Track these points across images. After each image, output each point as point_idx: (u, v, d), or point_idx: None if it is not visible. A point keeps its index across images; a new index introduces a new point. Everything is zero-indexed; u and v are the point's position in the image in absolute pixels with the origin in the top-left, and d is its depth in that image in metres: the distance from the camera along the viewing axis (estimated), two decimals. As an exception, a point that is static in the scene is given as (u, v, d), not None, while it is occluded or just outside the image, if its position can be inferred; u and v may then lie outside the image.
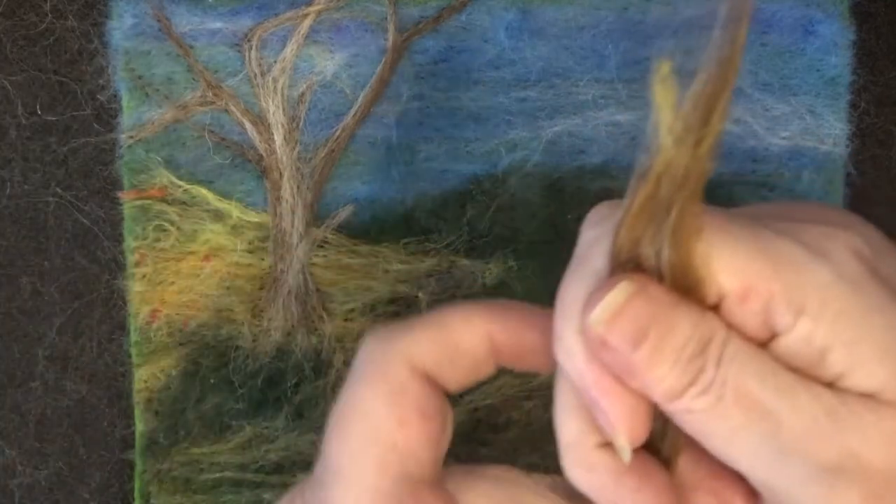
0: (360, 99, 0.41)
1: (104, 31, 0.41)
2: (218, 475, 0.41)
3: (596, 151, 0.42)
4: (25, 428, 0.41)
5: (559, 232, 0.42)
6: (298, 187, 0.41)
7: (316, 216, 0.41)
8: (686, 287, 0.29)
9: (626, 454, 0.31)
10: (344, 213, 0.41)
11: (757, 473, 0.30)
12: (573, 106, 0.41)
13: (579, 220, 0.41)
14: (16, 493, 0.41)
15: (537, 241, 0.42)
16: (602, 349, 0.30)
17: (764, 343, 0.30)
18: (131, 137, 0.41)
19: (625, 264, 0.30)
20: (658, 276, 0.29)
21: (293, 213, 0.41)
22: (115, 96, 0.41)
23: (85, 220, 0.41)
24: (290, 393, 0.41)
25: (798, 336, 0.30)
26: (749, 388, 0.29)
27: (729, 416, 0.29)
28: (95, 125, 0.41)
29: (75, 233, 0.41)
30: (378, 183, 0.41)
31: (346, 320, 0.42)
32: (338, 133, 0.41)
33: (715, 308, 0.30)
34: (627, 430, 0.30)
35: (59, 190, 0.41)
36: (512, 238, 0.42)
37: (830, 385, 0.30)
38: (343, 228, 0.41)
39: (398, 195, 0.41)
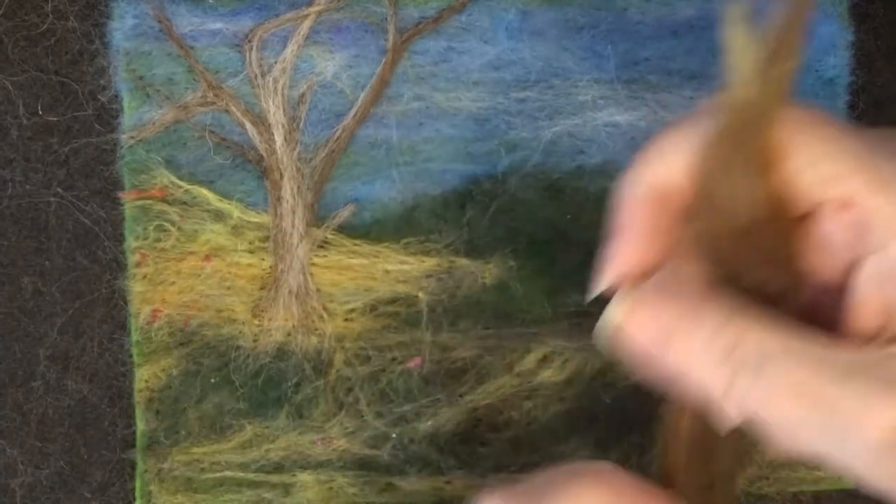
0: (360, 99, 0.41)
1: (105, 32, 0.41)
2: (219, 474, 0.41)
3: (595, 152, 0.42)
4: (27, 427, 0.41)
5: (559, 232, 0.42)
6: (299, 187, 0.41)
7: (316, 216, 0.41)
8: (764, 218, 0.30)
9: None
10: (344, 214, 0.42)
11: (810, 455, 0.30)
12: (573, 106, 0.41)
13: (579, 220, 0.42)
14: (17, 493, 0.41)
15: (537, 241, 0.42)
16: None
17: (846, 267, 0.30)
18: (132, 138, 0.41)
19: (702, 203, 0.30)
20: (733, 212, 0.30)
21: (293, 213, 0.41)
22: (116, 97, 0.41)
23: (86, 220, 0.41)
24: (290, 392, 0.41)
25: (889, 257, 0.29)
26: (799, 379, 0.29)
27: (779, 408, 0.29)
28: (96, 125, 0.41)
29: (76, 233, 0.41)
30: (378, 183, 0.42)
31: (346, 320, 0.42)
32: (338, 133, 0.41)
33: (805, 218, 0.30)
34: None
35: (60, 190, 0.41)
36: (512, 238, 0.42)
37: None
38: (343, 228, 0.42)
39: (398, 195, 0.42)
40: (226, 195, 0.41)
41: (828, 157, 0.29)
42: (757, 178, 0.29)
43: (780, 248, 0.31)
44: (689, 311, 0.30)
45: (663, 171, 0.30)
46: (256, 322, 0.41)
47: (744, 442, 0.33)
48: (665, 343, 0.30)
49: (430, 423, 0.42)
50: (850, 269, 0.31)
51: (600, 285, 0.31)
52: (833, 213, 0.30)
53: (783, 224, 0.30)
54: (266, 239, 0.41)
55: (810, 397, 0.29)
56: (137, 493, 0.41)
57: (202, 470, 0.41)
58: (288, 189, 0.41)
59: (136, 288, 0.41)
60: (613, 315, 0.31)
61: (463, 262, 0.42)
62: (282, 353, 0.42)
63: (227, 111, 0.41)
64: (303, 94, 0.41)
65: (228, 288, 0.41)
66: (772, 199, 0.30)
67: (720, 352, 0.29)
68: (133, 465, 0.41)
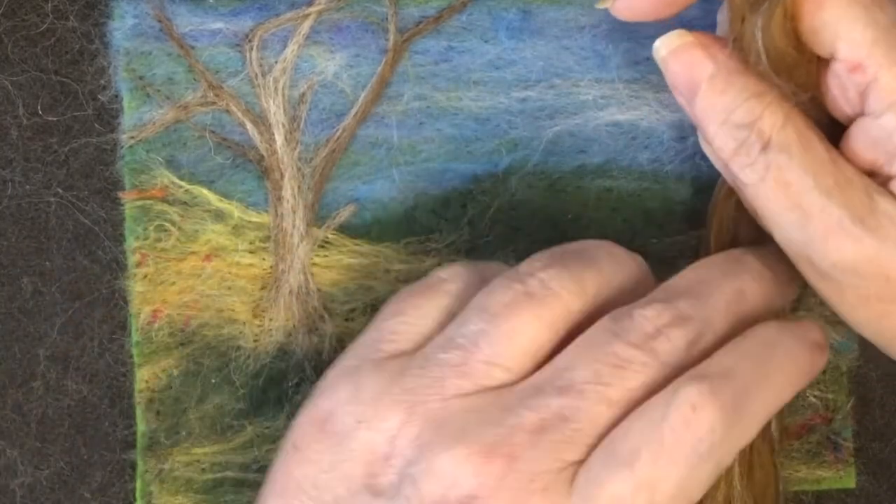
0: (360, 99, 0.41)
1: (105, 32, 0.41)
2: (219, 475, 0.41)
3: (597, 151, 0.42)
4: (26, 428, 0.41)
5: (560, 231, 0.42)
6: (299, 187, 0.41)
7: (317, 216, 0.41)
8: (781, 58, 0.33)
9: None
10: (345, 213, 0.41)
11: (790, 255, 0.34)
12: (574, 106, 0.41)
13: (580, 219, 0.42)
14: (17, 493, 0.41)
15: (538, 241, 0.42)
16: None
17: (850, 118, 0.34)
18: (132, 138, 0.41)
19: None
20: (756, 47, 0.33)
21: (294, 213, 0.41)
22: (117, 97, 0.41)
23: (86, 221, 0.41)
24: (291, 393, 0.41)
25: (880, 125, 0.33)
26: (789, 178, 0.33)
27: (768, 198, 0.33)
28: (96, 125, 0.41)
29: (76, 233, 0.41)
30: (379, 183, 0.42)
31: (347, 320, 0.42)
32: (339, 133, 0.41)
33: (821, 61, 0.34)
34: None
35: (60, 190, 0.41)
36: (513, 238, 0.42)
37: (888, 188, 0.33)
38: (344, 228, 0.42)
39: (399, 195, 0.42)
40: (226, 195, 0.41)
41: (856, 20, 0.33)
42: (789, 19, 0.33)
43: (804, 76, 0.34)
44: (725, 73, 0.34)
45: None
46: (257, 322, 0.41)
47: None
48: (694, 90, 0.34)
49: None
50: (849, 120, 0.34)
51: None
52: (844, 71, 0.33)
53: (807, 57, 0.34)
54: (267, 239, 0.41)
55: (795, 197, 0.33)
56: (138, 494, 0.41)
57: (203, 470, 0.41)
58: (288, 189, 0.41)
59: (136, 288, 0.41)
60: (661, 45, 0.36)
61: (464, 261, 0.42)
62: (282, 353, 0.42)
63: (227, 111, 0.41)
64: (303, 94, 0.41)
65: (229, 288, 0.41)
66: (799, 35, 0.33)
67: (740, 118, 0.33)
68: (133, 466, 0.41)
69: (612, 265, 0.35)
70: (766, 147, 0.33)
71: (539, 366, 0.34)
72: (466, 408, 0.33)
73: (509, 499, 0.31)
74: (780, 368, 0.34)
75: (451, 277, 0.36)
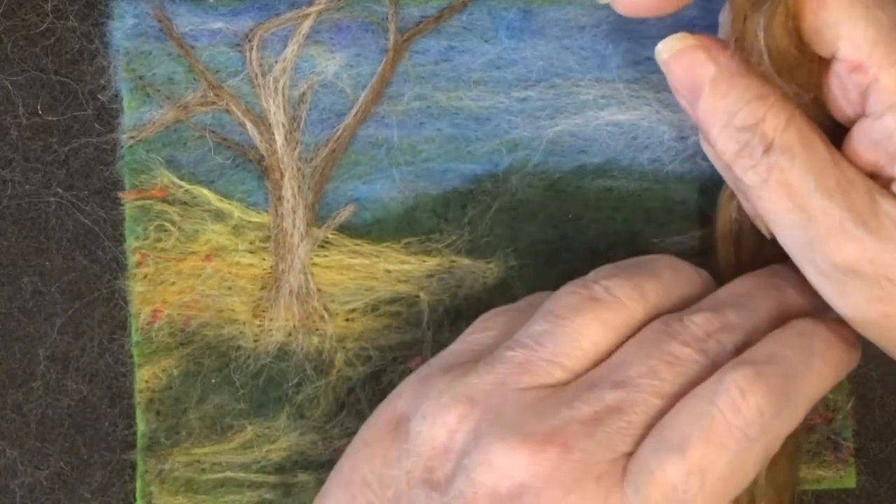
0: (360, 99, 0.41)
1: (105, 32, 0.41)
2: (219, 475, 0.41)
3: (597, 151, 0.42)
4: (26, 428, 0.41)
5: (560, 231, 0.42)
6: (299, 187, 0.41)
7: (317, 216, 0.41)
8: (783, 58, 0.34)
9: None
10: (345, 213, 0.41)
11: (793, 255, 0.35)
12: (574, 106, 0.41)
13: (580, 219, 0.42)
14: (17, 493, 0.41)
15: (538, 241, 0.42)
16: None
17: (851, 119, 0.34)
18: (132, 138, 0.41)
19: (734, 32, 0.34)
20: (758, 47, 0.34)
21: (294, 213, 0.41)
22: (116, 96, 0.41)
23: (86, 221, 0.41)
24: (291, 393, 0.41)
25: (881, 126, 0.33)
26: (791, 180, 0.33)
27: (771, 200, 0.33)
28: (96, 125, 0.41)
29: (76, 233, 0.41)
30: (379, 183, 0.41)
31: (347, 320, 0.42)
32: (339, 133, 0.41)
33: (822, 62, 0.34)
34: None
35: (60, 190, 0.41)
36: (513, 238, 0.42)
37: (890, 189, 0.34)
38: (344, 228, 0.42)
39: (399, 195, 0.41)
40: (226, 195, 0.41)
41: (857, 20, 0.33)
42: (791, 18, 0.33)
43: (806, 77, 0.34)
44: (727, 76, 0.34)
45: None
46: (257, 322, 0.41)
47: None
48: (696, 93, 0.34)
49: (431, 423, 0.42)
50: (851, 121, 0.34)
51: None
52: (845, 71, 0.33)
53: (809, 57, 0.34)
54: (267, 239, 0.41)
55: (797, 199, 0.33)
56: (138, 494, 0.41)
57: (203, 471, 0.41)
58: (289, 189, 0.41)
59: (136, 288, 0.41)
60: (663, 49, 0.36)
61: (464, 261, 0.42)
62: (283, 353, 0.42)
63: (227, 111, 0.41)
64: (303, 94, 0.41)
65: (229, 288, 0.41)
66: (801, 35, 0.34)
67: (742, 120, 0.34)
68: (133, 466, 0.41)
69: (674, 277, 0.37)
70: (768, 149, 0.33)
71: (597, 365, 0.35)
72: (524, 402, 0.33)
73: (562, 489, 0.32)
74: (821, 356, 0.35)
75: (538, 302, 0.37)
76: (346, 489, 0.35)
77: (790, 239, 0.34)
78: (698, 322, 0.35)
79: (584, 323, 0.35)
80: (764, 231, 0.37)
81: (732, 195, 0.39)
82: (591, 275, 0.36)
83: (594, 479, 0.32)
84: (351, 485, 0.35)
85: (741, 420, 0.32)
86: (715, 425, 0.32)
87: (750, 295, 0.36)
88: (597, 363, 0.35)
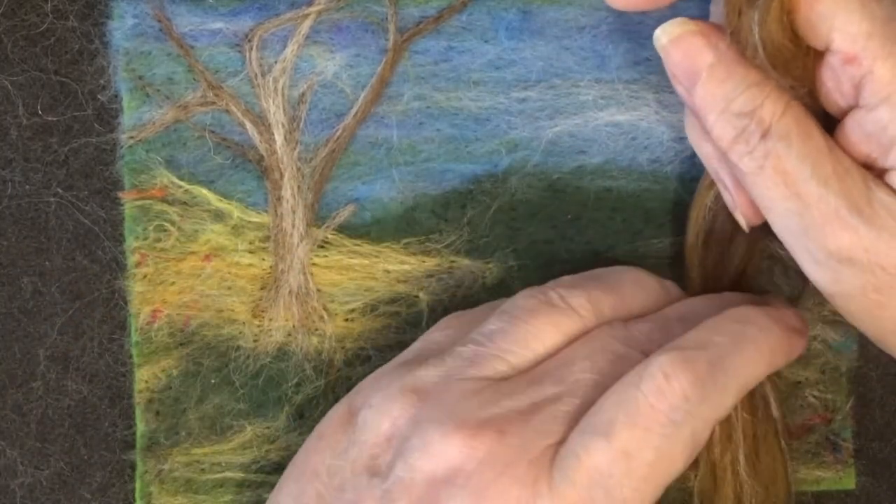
0: (360, 99, 0.41)
1: (105, 32, 0.41)
2: (219, 475, 0.41)
3: (596, 152, 0.42)
4: (26, 428, 0.41)
5: (559, 232, 0.42)
6: (299, 187, 0.41)
7: (316, 216, 0.41)
8: (778, 51, 0.34)
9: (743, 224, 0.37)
10: (345, 214, 0.41)
11: (787, 244, 0.35)
12: (574, 106, 0.41)
13: (580, 220, 0.42)
14: (17, 494, 0.41)
15: (538, 241, 0.42)
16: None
17: (843, 111, 0.34)
18: (132, 138, 0.41)
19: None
20: (752, 41, 0.34)
21: (294, 213, 0.41)
22: (116, 97, 0.41)
23: (86, 221, 0.41)
24: (290, 393, 0.41)
25: (874, 118, 0.33)
26: (787, 167, 0.33)
27: (767, 187, 0.34)
28: (96, 125, 0.41)
29: (76, 233, 0.41)
30: (379, 183, 0.41)
31: (346, 320, 0.42)
32: (338, 133, 0.41)
33: (816, 54, 0.34)
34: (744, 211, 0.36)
35: (59, 190, 0.41)
36: (513, 238, 0.42)
37: (883, 180, 0.34)
38: (344, 229, 0.42)
39: (399, 195, 0.41)
40: (226, 195, 0.41)
41: (852, 12, 0.33)
42: (785, 12, 0.33)
43: (801, 70, 0.34)
44: (726, 62, 0.34)
45: None
46: (257, 322, 0.41)
47: (757, 244, 0.39)
48: (694, 79, 0.34)
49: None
50: (843, 113, 0.35)
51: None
52: (839, 63, 0.34)
53: (804, 51, 0.34)
54: (266, 239, 0.41)
55: (793, 186, 0.33)
56: (137, 495, 0.41)
57: (202, 471, 0.41)
58: (288, 189, 0.41)
59: (135, 288, 0.41)
60: (662, 34, 0.36)
61: (464, 262, 0.42)
62: (282, 353, 0.42)
63: (227, 111, 0.41)
64: (303, 94, 0.41)
65: (229, 288, 0.41)
66: (796, 28, 0.34)
67: (740, 106, 0.34)
68: (133, 466, 0.41)
69: (634, 291, 0.37)
70: (765, 135, 0.33)
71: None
72: (465, 391, 0.34)
73: (493, 472, 0.32)
74: (754, 342, 0.35)
75: (498, 306, 0.38)
76: (298, 481, 0.36)
77: (785, 227, 0.34)
78: (642, 329, 0.35)
79: (536, 325, 0.35)
80: (742, 224, 0.37)
81: (711, 185, 0.39)
82: (551, 283, 0.37)
83: (525, 463, 0.32)
84: (302, 476, 0.36)
85: (666, 404, 0.32)
86: (640, 410, 0.32)
87: (697, 311, 0.37)
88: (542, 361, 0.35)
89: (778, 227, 0.35)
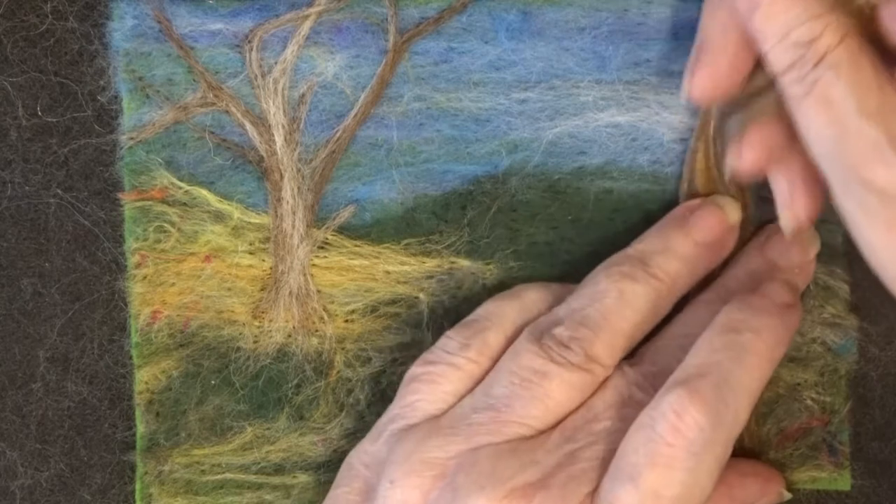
0: (360, 100, 0.41)
1: (105, 33, 0.41)
2: (219, 476, 0.41)
3: (596, 153, 0.42)
4: (26, 429, 0.41)
5: (560, 233, 0.42)
6: (299, 188, 0.41)
7: (316, 217, 0.41)
8: None
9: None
10: (345, 215, 0.41)
11: (824, 170, 0.35)
12: (574, 107, 0.41)
13: (580, 221, 0.42)
14: (17, 495, 0.41)
15: (538, 242, 0.42)
16: None
17: None
18: (132, 139, 0.41)
19: None
20: None
21: (294, 214, 0.41)
22: (116, 97, 0.41)
23: (85, 222, 0.41)
24: (291, 394, 0.41)
25: None
26: (833, 95, 0.33)
27: (810, 114, 0.34)
28: (96, 126, 0.41)
29: (76, 234, 0.41)
30: (379, 184, 0.41)
31: (346, 321, 0.42)
32: (338, 134, 0.41)
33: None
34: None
35: (59, 191, 0.41)
36: (513, 239, 0.42)
37: None
38: (344, 229, 0.41)
39: (399, 196, 0.41)
40: (226, 196, 0.41)
41: None
42: None
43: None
44: None
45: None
46: (257, 323, 0.41)
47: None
48: (755, 4, 0.34)
49: (430, 424, 0.42)
50: None
51: (685, 94, 0.37)
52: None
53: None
54: (266, 240, 0.41)
55: (835, 113, 0.33)
56: (137, 496, 0.41)
57: (202, 472, 0.41)
58: (288, 190, 0.41)
59: (135, 289, 0.41)
60: None
61: (464, 263, 0.42)
62: (282, 354, 0.42)
63: (227, 112, 0.41)
64: (303, 95, 0.41)
65: (229, 289, 0.41)
66: None
67: (800, 36, 0.34)
68: (133, 468, 0.41)
69: (613, 313, 0.38)
70: (818, 63, 0.34)
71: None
72: (499, 454, 0.35)
73: None
74: (753, 350, 0.36)
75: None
76: None
77: (822, 152, 0.34)
78: (648, 368, 0.37)
79: (550, 387, 0.36)
80: (787, 227, 0.38)
81: (698, 148, 0.40)
82: (544, 322, 0.38)
83: None
84: None
85: (683, 440, 0.33)
86: (659, 451, 0.33)
87: (689, 331, 0.38)
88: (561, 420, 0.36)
89: (815, 149, 0.35)
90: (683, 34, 0.41)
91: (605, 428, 0.35)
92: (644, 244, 0.39)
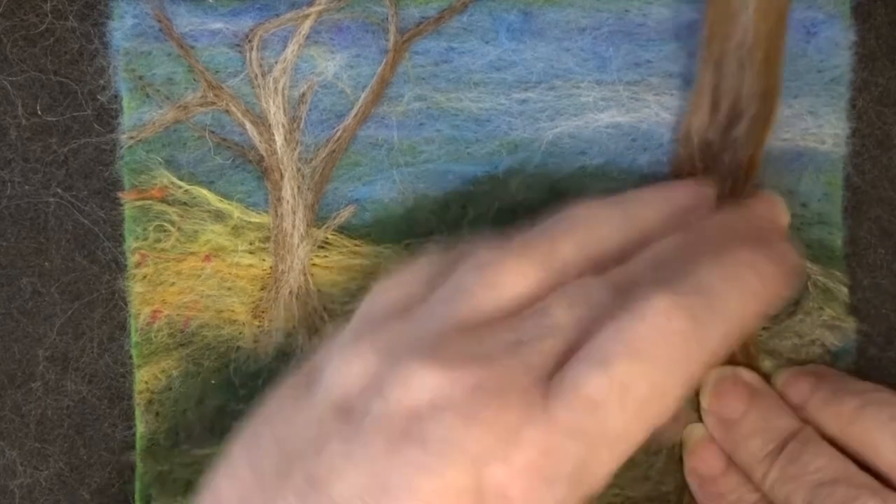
0: (360, 99, 0.41)
1: (105, 32, 0.41)
2: (219, 476, 0.41)
3: (597, 153, 0.42)
4: (26, 429, 0.41)
5: (560, 233, 0.42)
6: (299, 188, 0.41)
7: (317, 217, 0.41)
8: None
9: None
10: (345, 214, 0.41)
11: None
12: (574, 108, 0.41)
13: (580, 221, 0.42)
14: (16, 494, 0.41)
15: (538, 243, 0.42)
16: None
17: None
18: (132, 138, 0.41)
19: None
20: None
21: (294, 213, 0.41)
22: (116, 97, 0.41)
23: (85, 221, 0.41)
24: (290, 394, 0.41)
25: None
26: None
27: None
28: (96, 126, 0.41)
29: (76, 233, 0.41)
30: (379, 184, 0.41)
31: (346, 321, 0.42)
32: (339, 134, 0.41)
33: None
34: None
35: (59, 190, 0.41)
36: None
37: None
38: (344, 229, 0.41)
39: (399, 196, 0.41)
40: (226, 195, 0.41)
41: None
42: None
43: None
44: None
45: None
46: (257, 323, 0.41)
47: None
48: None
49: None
50: None
51: None
52: None
53: None
54: (266, 239, 0.41)
55: None
56: (137, 496, 0.41)
57: (202, 472, 0.41)
58: (288, 189, 0.41)
59: (135, 289, 0.41)
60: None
61: (464, 263, 0.42)
62: (282, 354, 0.42)
63: (227, 111, 0.41)
64: (303, 95, 0.41)
65: (229, 289, 0.41)
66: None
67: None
68: (133, 467, 0.41)
69: (592, 227, 0.36)
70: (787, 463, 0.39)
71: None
72: (444, 330, 0.33)
73: (484, 400, 0.31)
74: (751, 288, 0.34)
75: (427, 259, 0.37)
76: (249, 450, 0.34)
77: None
78: (618, 277, 0.34)
79: (504, 272, 0.34)
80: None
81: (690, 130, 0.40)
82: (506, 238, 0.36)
83: (516, 392, 0.31)
84: (254, 448, 0.33)
85: (665, 342, 0.32)
86: (640, 343, 0.31)
87: (670, 254, 0.36)
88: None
89: None
90: (684, 35, 0.41)
91: (557, 323, 0.33)
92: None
